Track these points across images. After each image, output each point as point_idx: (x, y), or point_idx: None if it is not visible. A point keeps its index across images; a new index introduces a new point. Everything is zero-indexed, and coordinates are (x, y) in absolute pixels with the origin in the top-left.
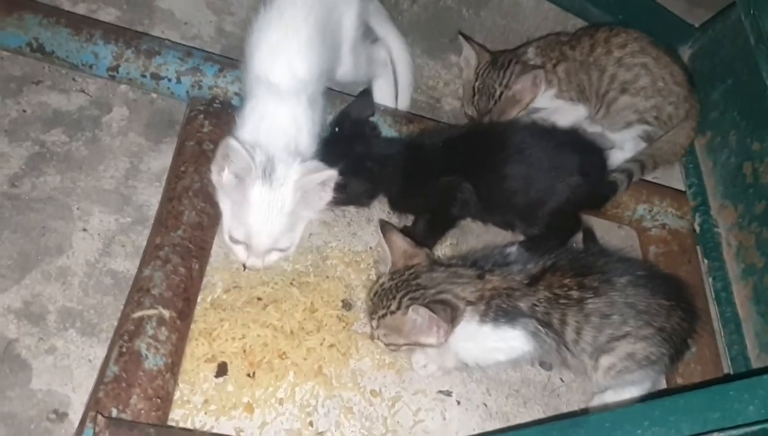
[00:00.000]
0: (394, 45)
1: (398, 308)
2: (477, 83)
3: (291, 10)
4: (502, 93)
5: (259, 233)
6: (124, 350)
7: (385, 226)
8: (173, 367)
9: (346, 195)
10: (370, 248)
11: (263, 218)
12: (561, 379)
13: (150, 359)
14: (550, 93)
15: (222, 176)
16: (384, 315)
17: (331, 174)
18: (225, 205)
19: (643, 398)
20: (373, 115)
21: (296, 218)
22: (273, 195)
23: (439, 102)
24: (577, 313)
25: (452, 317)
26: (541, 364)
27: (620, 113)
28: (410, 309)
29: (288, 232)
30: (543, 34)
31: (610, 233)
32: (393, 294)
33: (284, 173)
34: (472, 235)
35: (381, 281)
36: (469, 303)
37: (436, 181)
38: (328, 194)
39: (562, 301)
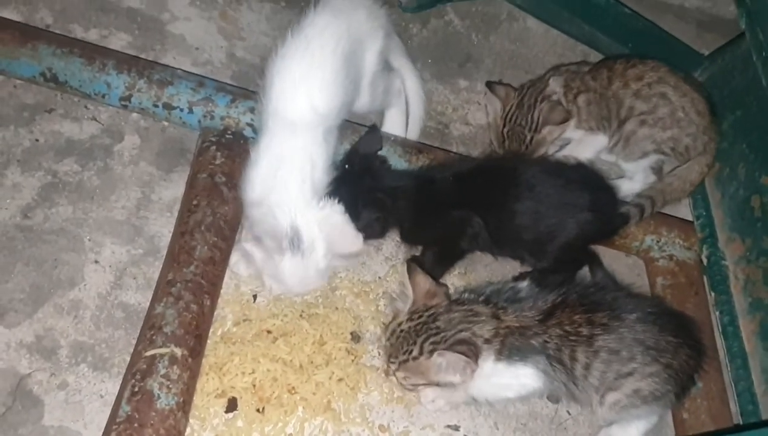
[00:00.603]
0: (408, 77)
1: (420, 354)
2: (506, 130)
3: (319, 40)
4: (532, 138)
5: (297, 290)
6: (136, 389)
7: (410, 265)
8: (185, 405)
9: (360, 230)
10: (379, 277)
11: (298, 281)
12: (568, 412)
13: (162, 398)
14: (571, 123)
15: (252, 248)
16: (405, 361)
17: (359, 247)
18: (260, 265)
19: None
20: (380, 149)
21: (328, 268)
22: (304, 262)
23: (447, 127)
24: (587, 349)
25: (476, 355)
26: (549, 397)
27: (638, 144)
28: (435, 354)
29: (321, 279)
30: (551, 59)
31: (618, 261)
32: (413, 339)
33: (312, 239)
34: (481, 264)
35: (399, 321)
36: (486, 342)
37: (446, 214)
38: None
39: (572, 338)
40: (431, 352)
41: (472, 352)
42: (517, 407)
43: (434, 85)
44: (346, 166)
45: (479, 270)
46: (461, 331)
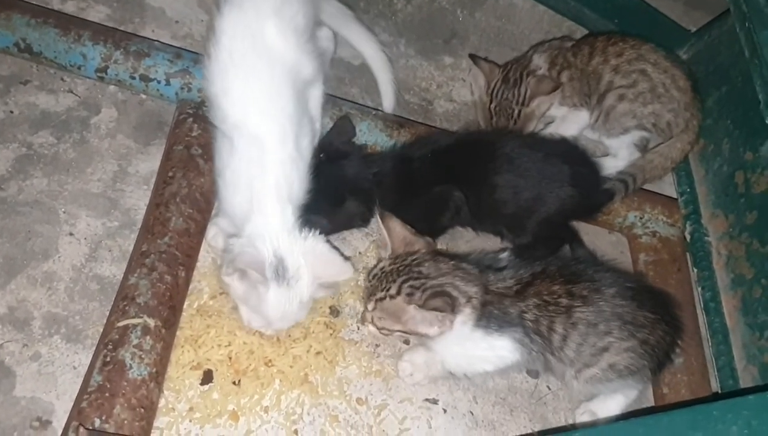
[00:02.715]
0: (365, 46)
1: (398, 293)
2: (493, 105)
3: (240, 47)
4: (520, 111)
5: (280, 323)
6: (108, 359)
7: (384, 214)
8: (158, 376)
9: (344, 220)
10: (360, 253)
11: (282, 313)
12: (548, 387)
13: (134, 368)
14: (559, 94)
15: (233, 278)
16: (382, 298)
17: (350, 274)
18: (238, 299)
19: (627, 416)
20: (354, 136)
21: (311, 299)
22: (290, 292)
23: (431, 104)
24: (565, 321)
25: (453, 309)
26: (528, 372)
27: (619, 120)
28: (412, 306)
29: (305, 310)
30: (537, 36)
31: (600, 238)
32: (393, 278)
33: (296, 266)
34: (462, 240)
35: (381, 264)
36: (469, 301)
37: (428, 192)
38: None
39: (551, 308)
40: (409, 296)
41: (449, 305)
42: (496, 382)
43: (419, 62)
44: (321, 156)
45: (460, 246)
46: (445, 284)
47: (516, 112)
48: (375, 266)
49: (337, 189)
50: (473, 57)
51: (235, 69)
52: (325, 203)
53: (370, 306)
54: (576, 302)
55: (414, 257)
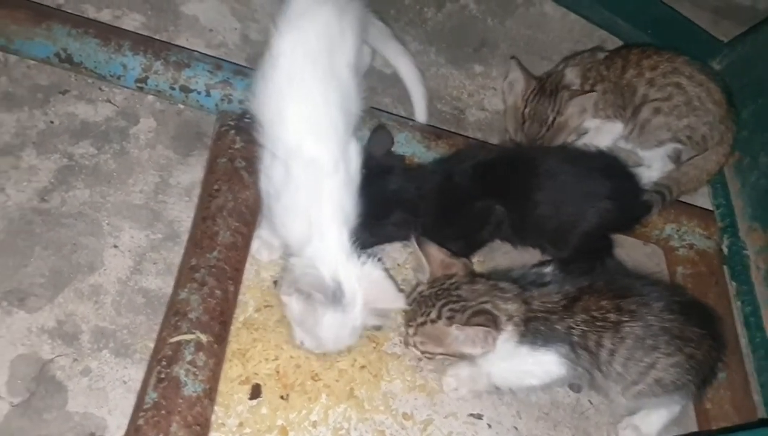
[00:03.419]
0: (399, 60)
1: (438, 317)
2: (527, 110)
3: (299, 71)
4: (554, 119)
5: (332, 346)
6: (162, 375)
7: (420, 239)
8: (211, 393)
9: (389, 233)
10: (398, 264)
11: (335, 337)
12: (590, 401)
13: (189, 385)
14: (593, 98)
15: (291, 298)
16: (423, 323)
17: (402, 305)
18: (293, 319)
19: None
20: (392, 146)
21: (363, 325)
22: (345, 317)
23: (463, 113)
24: (614, 335)
25: (496, 325)
26: (570, 386)
27: (654, 132)
28: (453, 326)
29: (356, 336)
30: (568, 45)
31: (636, 250)
32: (432, 302)
33: (353, 293)
34: (500, 252)
35: (420, 288)
36: (510, 319)
37: (469, 207)
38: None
39: (599, 323)
40: (449, 319)
41: (491, 321)
42: (539, 396)
43: (449, 70)
44: (362, 170)
45: (498, 259)
46: (484, 302)
47: (550, 119)
48: (413, 290)
49: (382, 202)
50: (517, 61)
51: (293, 92)
52: (369, 216)
53: (411, 331)
54: (624, 317)
55: (452, 281)
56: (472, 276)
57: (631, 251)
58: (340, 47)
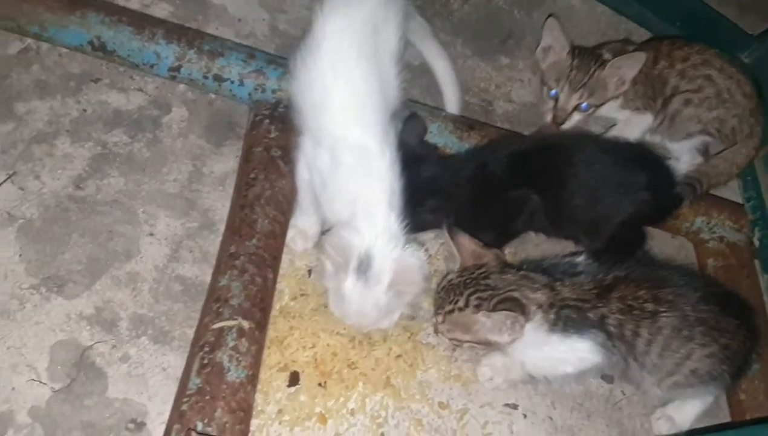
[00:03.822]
0: (437, 60)
1: (466, 306)
2: (575, 61)
3: (341, 55)
4: (595, 72)
5: (354, 319)
6: (205, 361)
7: (452, 229)
8: (253, 379)
9: (423, 222)
10: (430, 255)
11: (356, 309)
12: (622, 392)
13: (232, 371)
14: (616, 104)
15: (326, 261)
16: (451, 311)
17: (427, 286)
18: (329, 285)
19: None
20: (425, 134)
21: (393, 306)
22: (366, 291)
23: (491, 105)
24: (651, 326)
25: (523, 312)
26: (603, 377)
27: (684, 124)
28: (480, 313)
29: (385, 317)
30: (595, 37)
31: (664, 242)
32: (460, 290)
33: (380, 270)
34: (531, 243)
35: (449, 276)
36: (540, 307)
37: (503, 196)
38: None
39: (636, 312)
40: (477, 307)
41: (518, 308)
42: (572, 387)
43: (476, 62)
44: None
45: (530, 250)
46: (511, 291)
47: (593, 70)
48: (443, 278)
49: (416, 190)
50: (556, 18)
51: (338, 78)
52: (402, 204)
53: (439, 319)
54: (662, 307)
55: (481, 270)
56: (503, 266)
57: (660, 243)
58: (384, 35)
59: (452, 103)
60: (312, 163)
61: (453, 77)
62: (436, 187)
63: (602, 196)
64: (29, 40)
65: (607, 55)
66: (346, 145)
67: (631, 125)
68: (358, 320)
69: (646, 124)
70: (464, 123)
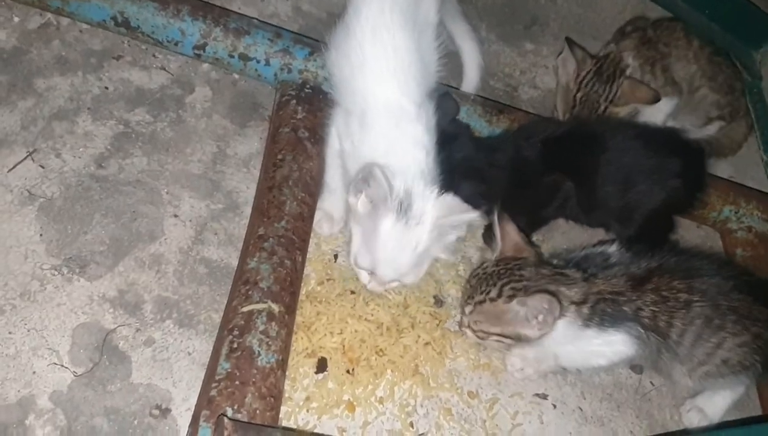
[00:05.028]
0: (466, 41)
1: (498, 296)
2: (579, 94)
3: (381, 19)
4: (606, 108)
5: (385, 267)
6: (235, 345)
7: (502, 214)
8: (283, 364)
9: None
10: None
11: (391, 254)
12: (651, 382)
13: (262, 355)
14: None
15: (358, 199)
16: (482, 301)
17: (475, 216)
18: (356, 229)
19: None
20: (457, 114)
21: (427, 255)
22: (406, 233)
23: (516, 90)
24: (684, 316)
25: (558, 304)
26: (632, 367)
27: (706, 109)
28: (515, 300)
29: (415, 268)
30: (619, 24)
31: (690, 232)
32: (494, 281)
33: (421, 210)
34: (558, 231)
35: (484, 265)
36: (573, 303)
37: (537, 181)
38: (463, 231)
39: (670, 303)
40: (510, 297)
41: (554, 297)
42: (602, 377)
43: (500, 47)
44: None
45: (557, 237)
46: (547, 284)
47: (602, 108)
48: (477, 267)
49: (450, 171)
50: (570, 41)
51: (376, 43)
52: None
53: (467, 309)
54: (695, 297)
55: (517, 262)
56: (540, 261)
57: (685, 233)
58: (425, 6)
59: (471, 84)
60: (344, 132)
61: (479, 60)
62: (469, 169)
63: (635, 183)
64: (50, 15)
65: (623, 85)
66: (382, 106)
67: (656, 110)
68: (389, 268)
69: (670, 108)
70: (494, 107)
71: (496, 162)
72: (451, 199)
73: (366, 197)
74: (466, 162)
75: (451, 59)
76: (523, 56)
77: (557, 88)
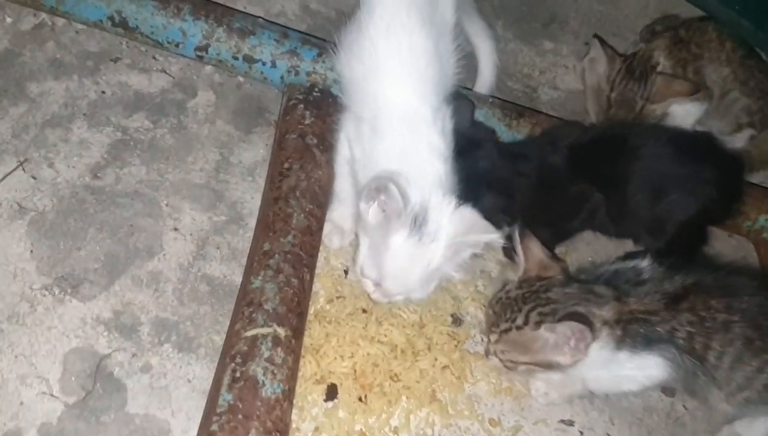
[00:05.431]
0: (482, 41)
1: (525, 323)
2: (613, 94)
3: (397, 18)
4: (643, 106)
5: (392, 282)
6: (237, 374)
7: (524, 231)
8: (290, 394)
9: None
10: (476, 254)
11: (401, 269)
12: (684, 406)
13: (267, 385)
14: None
15: (369, 208)
16: (507, 330)
17: (495, 237)
18: (364, 238)
19: None
20: (474, 115)
21: (438, 272)
22: (419, 249)
23: (536, 91)
24: (723, 337)
25: (591, 330)
26: (663, 390)
27: (736, 114)
28: (543, 327)
29: (425, 285)
30: (643, 21)
31: (721, 241)
32: (519, 306)
33: (437, 226)
34: (582, 242)
35: (507, 288)
36: (606, 324)
37: (564, 191)
38: (479, 249)
39: (707, 324)
40: (537, 324)
41: (586, 322)
42: (631, 401)
43: (518, 46)
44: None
45: (581, 249)
46: (576, 305)
47: (640, 106)
48: (500, 290)
49: (473, 183)
50: (600, 39)
51: (390, 44)
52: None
53: (493, 338)
54: (734, 317)
55: (543, 283)
56: (567, 279)
57: (715, 242)
58: (442, 5)
59: (485, 84)
60: (354, 139)
61: (495, 59)
62: (494, 180)
63: (668, 192)
64: (44, 15)
65: (657, 80)
66: (396, 110)
67: (687, 115)
68: (397, 283)
69: (700, 112)
70: (513, 109)
71: (521, 171)
72: (470, 215)
73: (378, 207)
74: (490, 171)
75: (465, 59)
76: (542, 56)
77: (585, 90)
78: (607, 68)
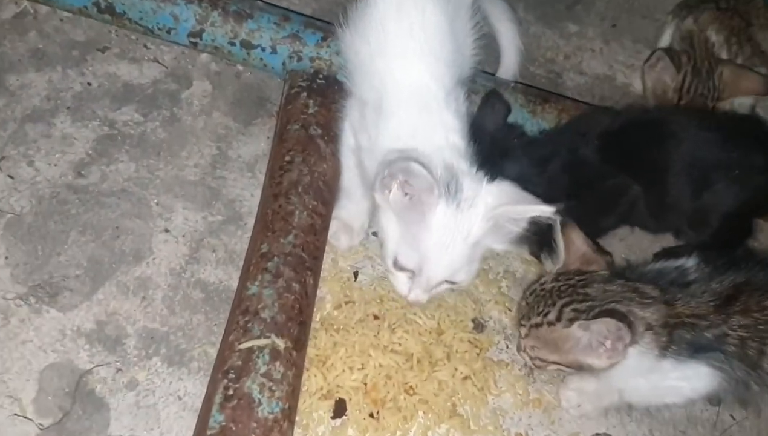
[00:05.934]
0: (503, 24)
1: (558, 319)
2: (683, 102)
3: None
4: (713, 107)
5: (436, 263)
6: (231, 392)
7: (565, 222)
8: (290, 413)
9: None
10: (498, 254)
11: (443, 246)
12: (731, 416)
13: (264, 404)
14: None
15: (386, 195)
16: (538, 324)
17: (546, 210)
18: (390, 225)
19: None
20: (509, 116)
21: (479, 248)
22: (459, 219)
23: (560, 77)
24: None
25: (630, 330)
26: (709, 399)
27: None
28: (576, 324)
29: (467, 264)
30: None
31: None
32: (553, 300)
33: (473, 193)
34: (616, 238)
35: (543, 279)
36: (649, 328)
37: (599, 185)
38: (524, 225)
39: (761, 327)
40: (571, 321)
41: (624, 321)
42: (673, 411)
43: (541, 29)
44: (475, 143)
45: (615, 245)
46: (616, 303)
47: (710, 107)
48: (535, 281)
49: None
50: (669, 52)
51: (401, 21)
52: None
53: (522, 332)
54: None
55: (583, 277)
56: (611, 275)
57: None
58: None
59: (509, 70)
60: (359, 126)
61: (518, 43)
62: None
63: (712, 181)
64: (26, 3)
65: (724, 73)
66: (406, 90)
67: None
68: (440, 264)
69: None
70: (537, 95)
71: (553, 176)
72: (509, 187)
73: (399, 190)
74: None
75: (483, 39)
76: (566, 39)
77: (645, 91)
78: (675, 79)
